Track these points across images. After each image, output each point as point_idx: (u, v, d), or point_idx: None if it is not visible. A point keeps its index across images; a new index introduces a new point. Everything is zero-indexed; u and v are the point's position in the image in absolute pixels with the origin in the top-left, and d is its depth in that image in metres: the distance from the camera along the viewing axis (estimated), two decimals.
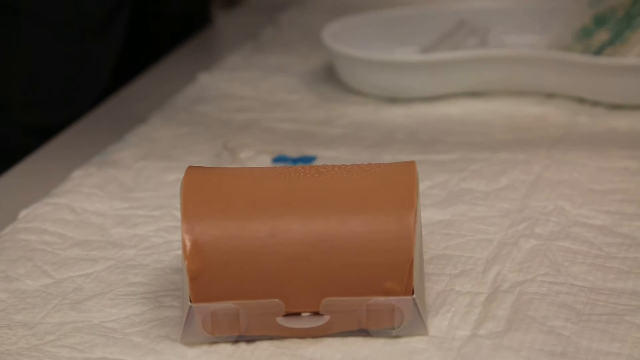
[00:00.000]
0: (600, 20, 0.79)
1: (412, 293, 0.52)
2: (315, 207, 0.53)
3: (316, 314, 0.53)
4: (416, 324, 0.53)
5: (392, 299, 0.52)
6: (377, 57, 0.79)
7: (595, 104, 0.76)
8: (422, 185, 0.65)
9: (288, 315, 0.53)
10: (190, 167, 0.56)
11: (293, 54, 0.88)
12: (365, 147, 0.73)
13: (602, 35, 0.79)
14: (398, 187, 0.54)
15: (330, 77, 0.82)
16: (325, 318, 0.53)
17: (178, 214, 0.64)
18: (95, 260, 0.61)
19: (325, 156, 0.71)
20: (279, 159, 0.71)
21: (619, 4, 0.80)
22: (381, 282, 0.52)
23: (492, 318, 0.54)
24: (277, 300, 0.52)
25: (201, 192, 0.54)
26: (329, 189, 0.54)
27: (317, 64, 0.85)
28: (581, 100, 0.77)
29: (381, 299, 0.52)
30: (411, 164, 0.55)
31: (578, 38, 0.80)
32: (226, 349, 0.53)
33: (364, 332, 0.53)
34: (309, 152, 0.72)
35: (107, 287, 0.58)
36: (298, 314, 0.53)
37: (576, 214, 0.63)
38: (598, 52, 0.78)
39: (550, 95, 0.78)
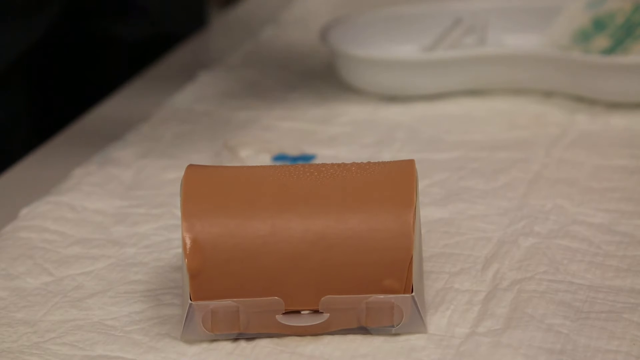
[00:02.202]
0: (598, 24, 0.80)
1: (412, 291, 0.53)
2: (314, 206, 0.53)
3: (316, 311, 0.53)
4: (415, 321, 0.53)
5: (391, 297, 0.52)
6: (377, 55, 0.79)
7: (594, 102, 0.77)
8: (422, 184, 0.66)
9: (288, 313, 0.53)
10: (190, 165, 0.56)
11: (293, 52, 0.88)
12: (365, 145, 0.73)
13: (602, 41, 0.79)
14: (397, 186, 0.54)
15: (330, 76, 0.82)
16: (325, 316, 0.53)
17: (178, 212, 0.64)
18: (96, 259, 0.61)
19: (325, 154, 0.72)
20: (279, 158, 0.71)
21: (618, 10, 0.80)
22: (380, 280, 0.52)
23: (491, 316, 0.55)
24: (276, 298, 0.52)
25: (201, 190, 0.54)
26: (328, 188, 0.54)
27: (316, 63, 0.85)
28: (580, 99, 0.77)
29: (380, 296, 0.52)
30: (410, 162, 0.56)
31: (575, 40, 0.80)
32: (226, 346, 0.53)
33: (363, 330, 0.53)
34: (308, 150, 0.72)
35: (108, 285, 0.59)
36: (298, 312, 0.53)
37: (575, 212, 0.64)
38: None
39: (548, 94, 0.78)
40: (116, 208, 0.66)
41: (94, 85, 0.89)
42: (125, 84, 0.84)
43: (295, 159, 0.71)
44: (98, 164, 0.71)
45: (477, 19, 0.83)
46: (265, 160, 0.71)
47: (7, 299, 0.58)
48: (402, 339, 0.53)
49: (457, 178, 0.68)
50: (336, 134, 0.75)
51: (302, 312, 0.53)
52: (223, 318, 0.53)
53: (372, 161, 0.56)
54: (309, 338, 0.53)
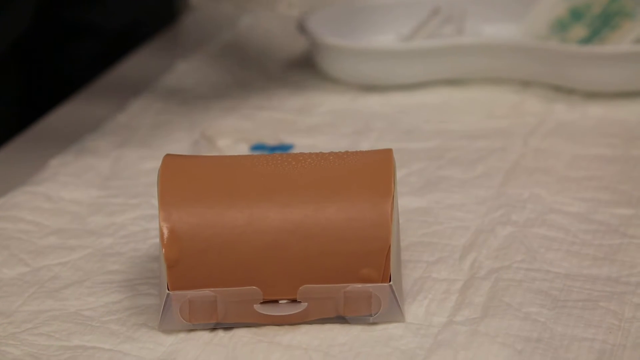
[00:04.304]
0: (575, 14, 0.80)
1: (389, 280, 0.53)
2: (292, 195, 0.53)
3: (294, 301, 0.53)
4: (393, 310, 0.53)
5: (369, 286, 0.52)
6: (355, 45, 0.79)
7: (571, 91, 0.77)
8: (400, 173, 0.66)
9: (266, 302, 0.53)
10: (167, 155, 0.56)
11: (271, 42, 0.88)
12: (343, 135, 0.73)
13: (579, 31, 0.79)
14: (375, 175, 0.54)
15: (308, 65, 0.82)
16: (303, 305, 0.53)
17: (155, 202, 0.64)
18: (72, 249, 0.61)
19: (303, 144, 0.71)
20: (257, 147, 0.71)
21: (595, 0, 0.80)
22: (358, 269, 0.52)
23: (468, 305, 0.55)
24: (254, 287, 0.52)
25: (178, 180, 0.54)
26: (306, 177, 0.54)
27: (294, 52, 0.85)
28: (557, 88, 0.77)
29: (358, 286, 0.52)
30: (388, 152, 0.56)
31: (553, 30, 0.80)
32: (204, 336, 0.53)
33: (341, 319, 0.54)
34: (286, 140, 0.72)
35: (85, 276, 0.58)
36: (276, 302, 0.53)
37: (552, 201, 0.64)
38: None
39: (526, 83, 0.78)
40: (93, 198, 0.66)
41: (70, 76, 0.89)
42: (102, 73, 0.84)
43: (273, 148, 0.71)
44: (75, 154, 0.71)
45: (455, 9, 0.83)
46: (243, 149, 0.71)
47: None
48: (380, 328, 0.53)
49: (435, 167, 0.68)
50: (314, 124, 0.75)
51: (280, 302, 0.53)
52: (201, 308, 0.53)
53: (350, 151, 0.56)
54: (286, 327, 0.53)
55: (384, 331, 0.53)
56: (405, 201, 0.64)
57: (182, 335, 0.53)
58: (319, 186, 0.54)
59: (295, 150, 0.71)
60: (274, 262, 0.52)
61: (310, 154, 0.56)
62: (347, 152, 0.56)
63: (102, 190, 0.67)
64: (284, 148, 0.71)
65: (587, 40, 0.79)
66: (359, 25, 0.84)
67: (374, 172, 0.54)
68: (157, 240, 0.60)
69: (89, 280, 0.58)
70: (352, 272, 0.52)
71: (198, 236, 0.52)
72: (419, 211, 0.63)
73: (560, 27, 0.80)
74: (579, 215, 0.62)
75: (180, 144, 0.72)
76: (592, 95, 0.76)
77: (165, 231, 0.52)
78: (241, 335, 0.53)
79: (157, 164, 0.64)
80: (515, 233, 0.61)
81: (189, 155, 0.57)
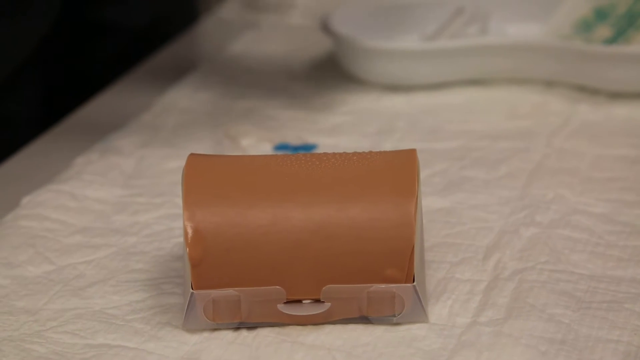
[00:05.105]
0: (600, 14, 0.80)
1: (413, 280, 0.53)
2: (315, 195, 0.53)
3: (317, 301, 0.53)
4: (417, 311, 0.53)
5: (392, 287, 0.52)
6: (379, 45, 0.79)
7: (595, 92, 0.77)
8: (423, 173, 0.66)
9: (289, 302, 0.53)
10: (191, 154, 0.56)
11: (294, 41, 0.88)
12: (366, 135, 0.73)
13: (603, 31, 0.79)
14: (399, 175, 0.54)
15: (331, 65, 0.82)
16: (326, 305, 0.53)
17: (179, 201, 0.64)
18: (97, 247, 0.61)
19: (326, 144, 0.72)
20: (280, 147, 0.71)
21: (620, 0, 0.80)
22: (382, 270, 0.52)
23: (492, 305, 0.55)
24: (278, 287, 0.52)
25: (203, 179, 0.54)
26: (329, 177, 0.54)
27: (318, 52, 0.85)
28: (581, 89, 0.77)
29: (382, 286, 0.52)
30: (412, 152, 0.55)
31: (577, 30, 0.80)
32: (227, 335, 0.53)
33: (364, 320, 0.54)
34: (310, 139, 0.72)
35: (109, 274, 0.59)
36: (299, 301, 0.53)
37: (576, 202, 0.64)
38: None
39: (550, 84, 0.78)
40: (117, 197, 0.66)
41: (95, 74, 0.89)
42: (127, 72, 0.84)
43: (296, 148, 0.71)
44: (99, 153, 0.71)
45: (478, 9, 0.83)
46: (266, 149, 0.71)
47: (8, 288, 0.58)
48: (403, 328, 0.53)
49: (459, 168, 0.68)
50: (338, 124, 0.75)
51: (304, 302, 0.53)
52: (224, 307, 0.53)
53: (373, 150, 0.56)
54: (310, 327, 0.53)
55: (408, 332, 0.53)
56: (429, 202, 0.64)
57: (205, 335, 0.53)
58: (342, 186, 0.54)
59: (319, 150, 0.71)
60: (297, 262, 0.52)
61: (333, 153, 0.56)
62: (370, 152, 0.56)
63: (126, 189, 0.67)
64: (308, 148, 0.71)
65: (612, 40, 0.79)
66: (382, 25, 0.83)
67: (397, 172, 0.54)
68: (181, 239, 0.60)
69: (114, 279, 0.58)
70: (375, 273, 0.52)
71: (222, 235, 0.52)
72: (442, 212, 0.63)
73: (585, 27, 0.80)
74: (604, 216, 0.62)
75: (204, 144, 0.72)
76: (617, 95, 0.76)
77: (190, 230, 0.52)
78: (265, 334, 0.53)
79: (181, 163, 0.64)
80: (539, 234, 0.61)
81: (213, 154, 0.57)
